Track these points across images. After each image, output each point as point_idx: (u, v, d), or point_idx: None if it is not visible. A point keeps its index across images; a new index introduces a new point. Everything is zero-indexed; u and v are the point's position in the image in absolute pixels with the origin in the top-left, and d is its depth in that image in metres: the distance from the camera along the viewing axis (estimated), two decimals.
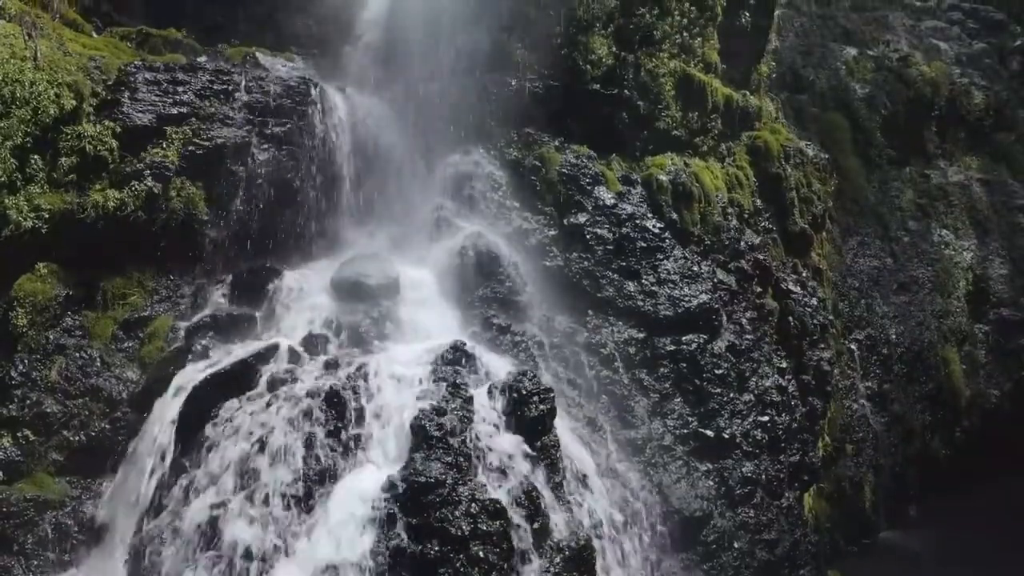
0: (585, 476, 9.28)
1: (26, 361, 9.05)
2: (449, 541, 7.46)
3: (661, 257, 12.06)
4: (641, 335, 11.51)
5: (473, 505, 7.64)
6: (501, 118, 12.30)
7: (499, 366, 9.43)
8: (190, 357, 9.21)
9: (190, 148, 10.16)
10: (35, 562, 8.29)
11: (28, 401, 8.89)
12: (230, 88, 10.67)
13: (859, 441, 16.53)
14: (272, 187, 10.62)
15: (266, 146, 10.66)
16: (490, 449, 8.38)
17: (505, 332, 10.05)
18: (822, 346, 14.35)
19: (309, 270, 10.46)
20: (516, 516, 7.92)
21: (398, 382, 8.85)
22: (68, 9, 11.57)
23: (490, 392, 8.84)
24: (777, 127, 15.91)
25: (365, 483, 7.88)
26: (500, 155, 12.04)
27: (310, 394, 8.52)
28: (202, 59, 11.54)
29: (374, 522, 7.58)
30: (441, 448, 8.03)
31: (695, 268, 12.36)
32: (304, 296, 10.03)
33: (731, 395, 11.79)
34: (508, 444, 8.51)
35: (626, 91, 12.90)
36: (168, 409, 8.76)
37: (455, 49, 12.16)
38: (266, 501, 7.83)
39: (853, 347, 17.31)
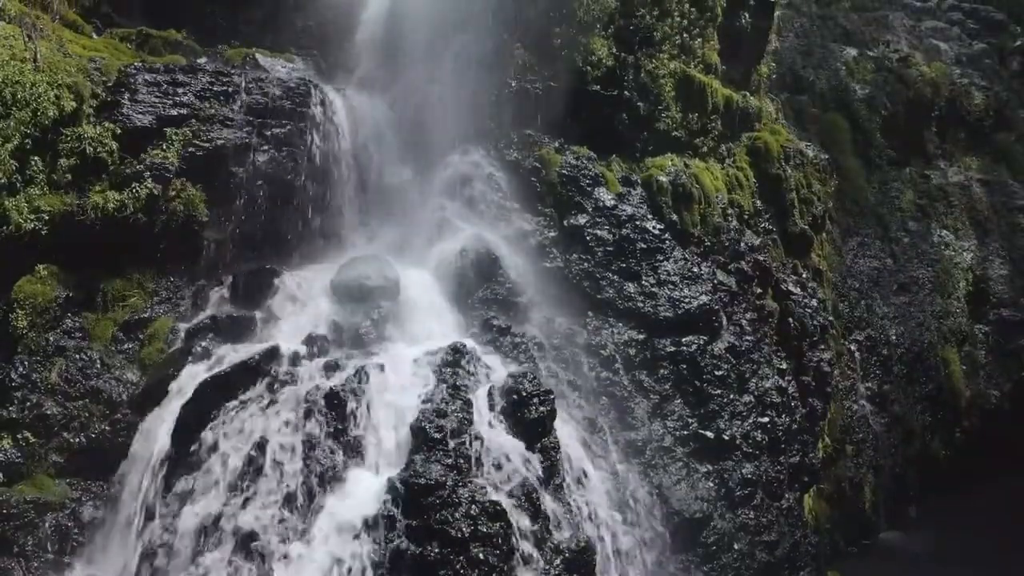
0: (585, 477, 9.29)
1: (26, 363, 9.04)
2: (449, 543, 7.47)
3: (661, 258, 12.06)
4: (641, 336, 11.50)
5: (473, 507, 7.65)
6: (501, 119, 12.29)
7: (499, 368, 9.43)
8: (190, 359, 9.21)
9: (190, 149, 10.15)
10: (35, 564, 8.29)
11: (28, 403, 8.89)
12: (230, 89, 10.66)
13: (859, 442, 16.54)
14: (272, 188, 10.60)
15: (266, 147, 10.65)
16: (490, 451, 8.39)
17: (505, 333, 10.05)
18: (822, 347, 14.36)
19: (309, 271, 10.45)
20: (516, 518, 7.92)
21: (398, 384, 8.86)
22: (68, 10, 11.56)
23: (490, 394, 8.85)
24: (777, 128, 15.91)
25: (365, 485, 7.90)
26: (500, 156, 12.03)
27: (310, 396, 8.53)
28: (202, 60, 11.54)
29: (374, 524, 7.60)
30: (441, 450, 8.05)
31: (695, 269, 12.36)
32: (304, 298, 10.03)
33: (731, 396, 11.79)
34: (508, 446, 8.51)
35: (626, 92, 12.90)
36: (168, 411, 8.77)
37: (455, 50, 12.14)
38: (266, 503, 7.84)
39: (853, 348, 17.31)
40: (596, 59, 12.62)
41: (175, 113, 10.28)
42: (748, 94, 15.20)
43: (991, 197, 22.10)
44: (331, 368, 9.01)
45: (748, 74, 15.74)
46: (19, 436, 8.78)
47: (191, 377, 8.97)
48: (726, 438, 11.44)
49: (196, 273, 10.17)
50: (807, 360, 13.96)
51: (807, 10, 22.34)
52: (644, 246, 12.01)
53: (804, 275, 15.06)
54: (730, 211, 13.64)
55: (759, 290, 13.55)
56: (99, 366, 9.31)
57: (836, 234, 18.23)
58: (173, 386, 8.97)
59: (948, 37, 24.30)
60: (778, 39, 18.25)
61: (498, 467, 8.28)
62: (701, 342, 11.83)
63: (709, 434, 11.33)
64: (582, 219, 11.90)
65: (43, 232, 9.27)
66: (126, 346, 9.57)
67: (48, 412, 8.92)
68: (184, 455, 8.31)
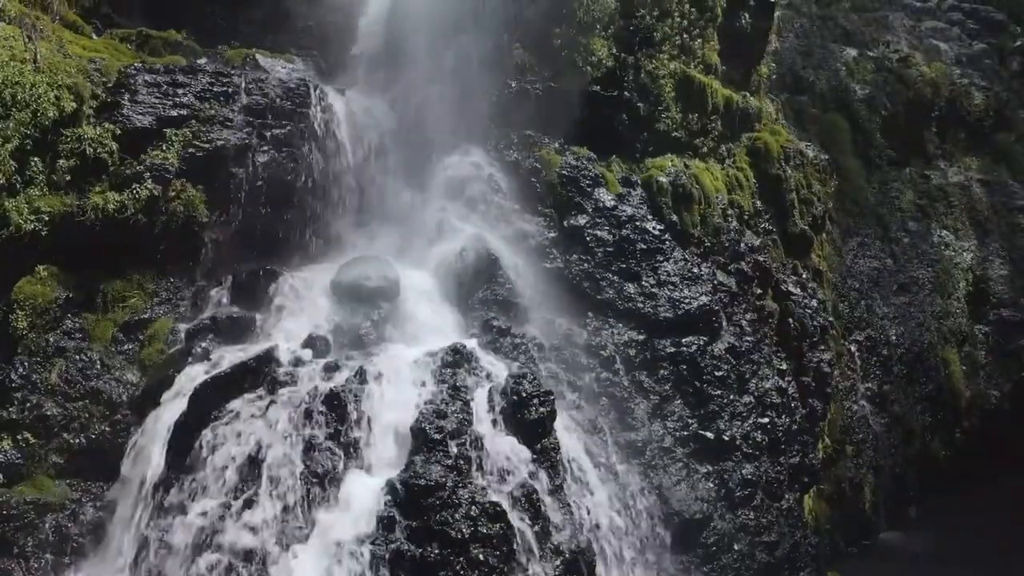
0: (585, 479, 9.29)
1: (26, 364, 9.04)
2: (449, 544, 7.48)
3: (661, 259, 12.06)
4: (641, 337, 11.50)
5: (473, 508, 7.65)
6: (501, 120, 12.29)
7: (499, 368, 9.43)
8: (190, 359, 9.22)
9: (190, 150, 10.16)
10: (35, 565, 8.29)
11: (28, 404, 8.89)
12: (230, 90, 10.67)
13: (859, 442, 16.54)
14: (272, 189, 10.60)
15: (266, 148, 10.65)
16: (490, 452, 8.39)
17: (505, 334, 10.05)
18: (822, 348, 14.36)
19: (309, 272, 10.44)
20: (516, 519, 7.93)
21: (398, 385, 8.85)
22: (68, 11, 11.56)
23: (490, 395, 8.84)
24: (777, 128, 15.91)
25: (365, 486, 7.90)
26: (500, 157, 12.02)
27: (310, 397, 8.53)
28: (202, 61, 11.54)
29: (374, 525, 7.59)
30: (441, 451, 8.05)
31: (695, 270, 12.36)
32: (304, 298, 10.02)
33: (731, 397, 11.79)
34: (508, 447, 8.51)
35: (626, 93, 12.90)
36: (168, 411, 8.76)
37: (455, 51, 12.14)
38: (266, 504, 7.83)
39: (853, 348, 17.31)
40: (596, 60, 12.62)
41: (175, 114, 10.29)
42: (748, 94, 15.20)
43: (991, 197, 22.10)
44: (331, 369, 9.00)
45: (748, 74, 15.74)
46: (19, 437, 8.78)
47: (191, 378, 8.96)
48: (726, 439, 11.44)
49: (196, 274, 10.18)
50: (807, 361, 13.96)
51: (807, 10, 22.34)
52: (644, 247, 12.01)
53: (804, 275, 15.06)
54: (730, 211, 13.64)
55: (759, 291, 13.55)
56: (99, 367, 9.31)
57: (836, 234, 18.23)
58: (173, 387, 8.97)
59: (948, 37, 24.31)
60: (778, 39, 18.25)
61: (498, 468, 8.27)
62: (701, 343, 11.83)
63: (709, 435, 11.33)
64: (582, 220, 11.89)
65: (43, 233, 9.27)
66: (126, 347, 9.57)
67: (48, 413, 8.92)
68: (184, 456, 8.30)
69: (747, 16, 15.10)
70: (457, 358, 9.11)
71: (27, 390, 8.95)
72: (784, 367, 13.05)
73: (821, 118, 20.04)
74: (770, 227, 14.56)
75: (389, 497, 7.71)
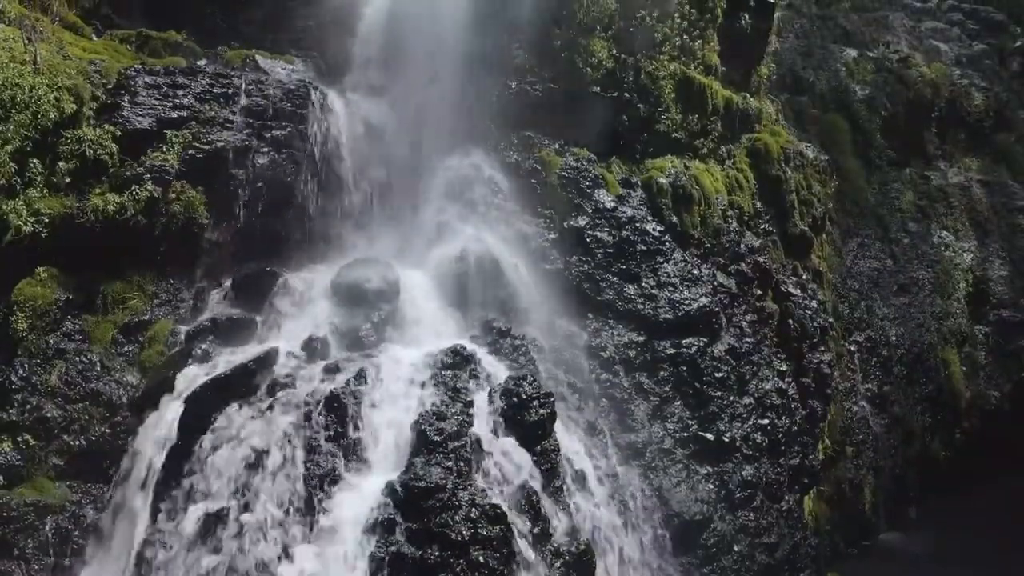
0: (585, 480, 9.30)
1: (26, 365, 9.04)
2: (449, 546, 7.47)
3: (661, 260, 12.06)
4: (641, 338, 11.50)
5: (473, 510, 7.65)
6: (501, 121, 12.28)
7: (499, 370, 9.44)
8: (190, 361, 9.20)
9: (190, 152, 10.15)
10: (35, 567, 8.29)
11: (28, 405, 8.88)
12: (230, 92, 10.66)
13: (859, 443, 16.54)
14: (272, 191, 10.59)
15: (266, 149, 10.65)
16: (490, 453, 8.40)
17: (505, 336, 10.05)
18: (822, 349, 14.36)
19: (309, 274, 10.43)
20: (516, 521, 7.93)
21: (398, 386, 8.86)
22: (68, 12, 11.55)
23: (490, 396, 8.85)
24: (777, 129, 15.91)
25: (365, 488, 7.90)
26: (500, 158, 12.01)
27: (310, 399, 8.53)
28: (202, 62, 11.53)
29: (374, 527, 7.59)
30: (441, 452, 8.05)
31: (695, 271, 12.36)
32: (304, 300, 10.02)
33: (731, 398, 11.79)
34: (508, 448, 8.52)
35: (626, 94, 12.90)
36: (168, 413, 8.76)
37: (455, 52, 12.12)
38: (266, 506, 7.84)
39: (853, 349, 17.32)
40: (596, 61, 12.63)
41: (175, 115, 10.28)
42: (748, 95, 15.20)
43: (991, 198, 22.11)
44: (331, 371, 9.00)
45: (748, 75, 15.74)
46: (19, 439, 8.77)
47: (191, 380, 8.95)
48: (726, 440, 11.44)
49: (196, 275, 10.17)
50: (807, 362, 13.97)
51: (807, 11, 22.34)
52: (644, 248, 12.01)
53: (804, 276, 15.06)
54: (730, 213, 13.64)
55: (759, 292, 13.55)
56: (99, 369, 9.30)
57: (836, 235, 18.23)
58: (173, 389, 8.95)
59: (948, 38, 24.30)
60: (778, 40, 18.26)
61: (498, 470, 8.28)
62: (701, 344, 11.83)
63: (709, 436, 11.34)
64: (582, 221, 11.90)
65: (43, 235, 9.26)
66: (126, 348, 9.56)
67: (48, 415, 8.91)
68: (184, 458, 8.30)
69: (747, 17, 15.10)
70: (457, 360, 9.11)
71: (27, 392, 8.94)
72: (784, 368, 13.06)
73: (821, 119, 20.04)
74: (770, 228, 14.56)
75: (389, 499, 7.70)
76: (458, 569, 7.41)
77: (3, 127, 9.09)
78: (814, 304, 14.57)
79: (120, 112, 10.09)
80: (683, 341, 11.72)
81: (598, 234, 11.87)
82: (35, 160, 9.45)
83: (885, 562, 15.87)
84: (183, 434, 8.44)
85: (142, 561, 7.82)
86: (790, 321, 13.89)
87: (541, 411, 8.78)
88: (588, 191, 12.09)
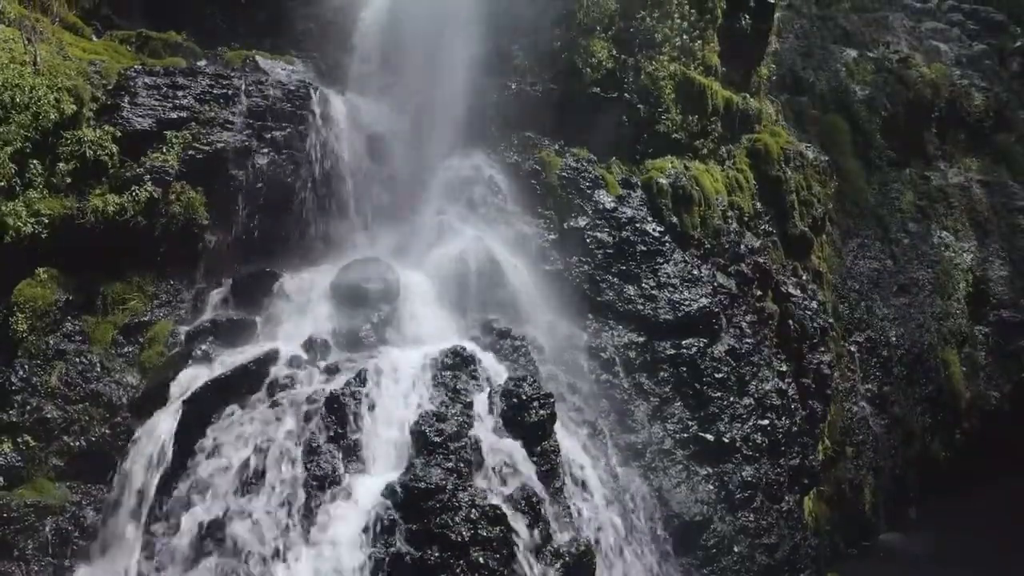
0: (585, 481, 9.29)
1: (26, 366, 9.03)
2: (449, 547, 7.47)
3: (661, 261, 12.06)
4: (641, 339, 11.50)
5: (473, 511, 7.65)
6: (501, 122, 12.29)
7: (499, 371, 9.43)
8: (190, 362, 9.20)
9: (190, 153, 10.14)
10: (36, 568, 8.28)
11: (28, 406, 8.87)
12: (230, 92, 10.65)
13: (859, 444, 16.54)
14: (272, 191, 10.60)
15: (266, 150, 10.65)
16: (490, 454, 8.39)
17: (505, 337, 10.04)
18: (822, 349, 14.36)
19: (309, 274, 10.42)
20: (516, 522, 7.92)
21: (398, 387, 8.86)
22: (68, 13, 11.55)
23: (490, 397, 8.85)
24: (777, 129, 15.91)
25: (365, 489, 7.90)
26: (500, 159, 12.02)
27: (310, 400, 8.54)
28: (202, 63, 11.52)
29: (374, 528, 7.59)
30: (441, 453, 8.05)
31: (695, 272, 12.36)
32: (304, 301, 10.01)
33: (731, 399, 11.79)
34: (508, 449, 8.52)
35: (626, 94, 12.90)
36: (168, 414, 8.76)
37: (455, 52, 12.13)
38: (267, 507, 7.84)
39: (853, 349, 17.32)
40: (596, 61, 12.63)
41: (175, 116, 10.27)
42: (748, 96, 15.20)
43: (991, 198, 22.10)
44: (331, 371, 9.02)
45: (748, 76, 15.74)
46: (19, 440, 8.77)
47: (191, 380, 8.96)
48: (726, 441, 11.45)
49: (196, 276, 10.17)
50: (807, 362, 13.97)
51: (807, 11, 22.34)
52: (644, 248, 12.01)
53: (804, 277, 15.06)
54: (730, 213, 13.64)
55: (759, 292, 13.55)
56: (99, 369, 9.30)
57: (836, 236, 18.23)
58: (173, 389, 8.96)
59: (948, 38, 24.30)
60: (778, 40, 18.25)
61: (498, 471, 8.28)
62: (701, 345, 11.83)
63: (709, 437, 11.34)
64: (582, 222, 11.90)
65: (43, 236, 9.25)
66: (126, 349, 9.56)
67: (48, 416, 8.90)
68: (184, 459, 8.30)
69: (747, 17, 15.10)
70: (457, 361, 9.11)
71: (27, 393, 8.93)
72: (784, 369, 13.06)
73: (821, 119, 20.04)
74: (770, 229, 14.56)
75: (389, 500, 7.71)
76: (458, 570, 7.41)
77: (3, 128, 9.08)
78: (814, 305, 14.57)
79: (120, 113, 10.08)
80: (683, 342, 11.72)
81: (598, 235, 11.87)
82: (35, 161, 9.45)
83: (885, 563, 15.87)
84: (183, 435, 8.44)
85: (142, 562, 7.81)
86: (790, 322, 13.89)
87: (541, 412, 8.78)
88: (588, 192, 12.09)
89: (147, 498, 8.23)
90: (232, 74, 11.01)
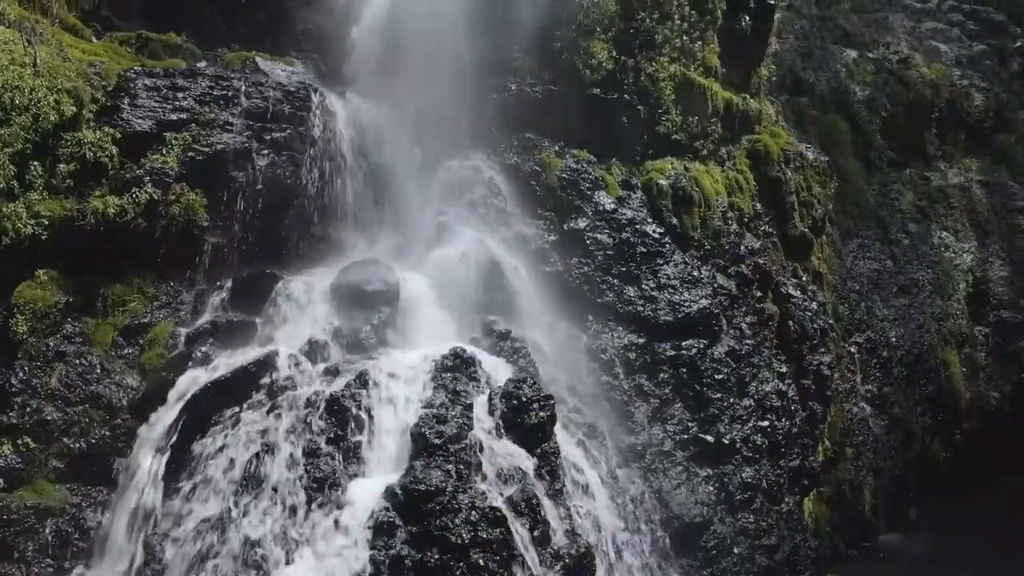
0: (585, 483, 9.29)
1: (26, 368, 9.02)
2: (449, 549, 7.47)
3: (661, 262, 12.06)
4: (641, 340, 11.51)
5: (473, 513, 7.64)
6: (501, 123, 12.30)
7: (499, 372, 9.42)
8: (190, 364, 9.20)
9: (190, 154, 10.13)
10: (36, 569, 8.27)
11: (28, 408, 8.86)
12: (230, 94, 10.65)
13: (859, 444, 16.54)
14: (272, 193, 10.58)
15: (266, 152, 10.64)
16: (490, 456, 8.38)
17: (505, 338, 10.05)
18: (822, 350, 14.36)
19: (309, 276, 10.43)
20: (516, 524, 7.91)
21: (398, 389, 8.85)
22: (68, 14, 11.54)
23: (490, 399, 8.84)
24: (777, 130, 15.91)
25: (365, 491, 7.89)
26: (500, 160, 12.03)
27: (310, 402, 8.53)
28: (202, 64, 11.53)
29: (374, 530, 7.59)
30: (441, 456, 8.04)
31: (695, 273, 12.36)
32: (304, 302, 10.00)
33: (731, 400, 11.79)
34: (508, 451, 8.51)
35: (626, 95, 12.91)
36: (168, 416, 8.76)
37: (455, 54, 12.13)
38: (267, 509, 7.84)
39: (853, 350, 17.31)
40: (596, 62, 12.63)
41: (175, 118, 10.26)
42: (748, 97, 15.20)
43: (991, 199, 22.10)
44: (331, 373, 9.02)
45: (748, 77, 15.74)
46: (19, 441, 8.75)
47: (191, 382, 8.95)
48: (726, 442, 11.45)
49: (196, 278, 10.15)
50: (807, 363, 13.97)
51: (807, 12, 22.34)
52: (644, 250, 12.01)
53: (804, 278, 15.06)
54: (730, 214, 13.65)
55: (759, 293, 13.55)
56: (99, 371, 9.29)
57: (836, 236, 18.23)
58: (173, 391, 8.95)
59: (948, 38, 24.30)
60: (778, 41, 18.26)
61: (498, 473, 8.27)
62: (701, 346, 11.84)
63: (709, 438, 11.34)
64: (582, 223, 11.90)
65: (43, 237, 9.25)
66: (126, 351, 9.55)
67: (48, 417, 8.89)
68: (184, 461, 8.31)
69: (747, 18, 15.10)
70: (457, 362, 9.10)
71: (27, 395, 8.92)
72: (784, 370, 13.06)
73: (821, 120, 20.04)
74: (770, 230, 14.56)
75: (389, 502, 7.70)
76: (458, 572, 7.40)
77: (4, 130, 9.08)
78: (814, 306, 14.57)
79: (120, 114, 10.07)
80: (683, 343, 11.72)
81: (598, 236, 11.88)
82: (35, 163, 9.44)
83: (885, 563, 15.86)
84: (183, 437, 8.45)
85: (143, 564, 7.81)
86: (790, 323, 13.89)
87: (541, 413, 8.77)
88: (588, 193, 12.09)
89: (147, 500, 8.22)
90: (232, 75, 11.01)
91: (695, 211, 12.96)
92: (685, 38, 13.63)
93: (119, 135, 9.94)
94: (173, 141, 10.10)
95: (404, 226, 11.46)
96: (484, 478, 8.16)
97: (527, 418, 8.69)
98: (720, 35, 14.57)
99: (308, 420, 8.40)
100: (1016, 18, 25.75)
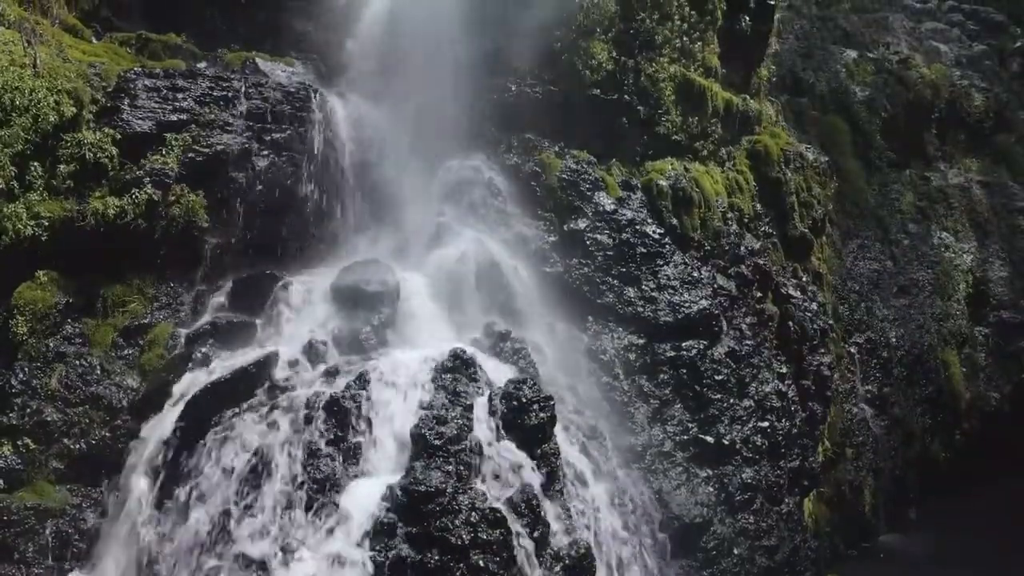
0: (585, 484, 9.29)
1: (26, 369, 9.02)
2: (449, 550, 7.48)
3: (661, 263, 12.06)
4: (641, 341, 11.51)
5: (473, 514, 7.66)
6: (501, 124, 12.30)
7: (499, 373, 9.42)
8: (190, 365, 9.21)
9: (190, 155, 10.13)
10: (36, 570, 8.28)
11: (28, 409, 8.86)
12: (230, 94, 10.65)
13: (859, 445, 16.54)
14: (272, 193, 10.58)
15: (266, 152, 10.64)
16: (490, 457, 8.40)
17: (505, 339, 10.05)
18: (822, 351, 14.36)
19: (309, 276, 10.44)
20: (516, 525, 7.93)
21: (398, 390, 8.85)
22: (68, 15, 11.54)
23: (490, 400, 8.84)
24: (777, 131, 15.91)
25: (365, 492, 7.90)
26: (500, 161, 12.03)
27: (310, 403, 8.53)
28: (202, 65, 11.53)
29: (374, 531, 7.60)
30: (441, 457, 8.05)
31: (695, 274, 12.36)
32: (304, 303, 10.02)
33: (731, 401, 11.79)
34: (508, 452, 8.52)
35: (626, 96, 12.90)
36: (168, 417, 8.77)
37: (455, 54, 12.14)
38: (266, 510, 7.84)
39: (853, 351, 17.31)
40: (596, 63, 12.63)
41: (175, 118, 10.25)
42: (748, 97, 15.20)
43: (991, 199, 22.09)
44: (331, 374, 9.02)
45: (748, 77, 15.74)
46: (19, 442, 8.76)
47: (191, 383, 8.97)
48: (726, 443, 11.45)
49: (196, 279, 10.15)
50: (807, 364, 13.97)
51: (807, 12, 22.33)
52: (644, 250, 12.01)
53: (804, 279, 15.06)
54: (730, 215, 13.65)
55: (759, 294, 13.56)
56: (99, 372, 9.29)
57: (836, 237, 18.23)
58: (173, 392, 8.96)
59: (948, 39, 24.29)
60: (778, 41, 18.26)
61: (498, 474, 8.28)
62: (701, 347, 11.84)
63: (709, 439, 11.34)
64: (582, 224, 11.90)
65: (43, 238, 9.25)
66: (126, 352, 9.55)
67: (48, 418, 8.90)
68: (184, 462, 8.32)
69: (747, 19, 15.10)
70: (457, 363, 9.10)
71: (27, 396, 8.92)
72: (784, 370, 13.06)
73: (821, 120, 20.03)
74: (770, 230, 14.56)
75: (389, 503, 7.72)
76: (458, 573, 7.42)
77: (4, 131, 9.08)
78: (814, 306, 14.57)
79: (120, 115, 10.07)
80: (683, 344, 11.72)
81: (598, 236, 11.88)
82: (35, 163, 9.44)
83: (885, 564, 15.87)
84: (183, 438, 8.45)
85: (142, 566, 7.82)
86: (790, 323, 13.89)
87: (541, 414, 8.78)
88: (588, 193, 12.09)
89: (147, 501, 8.24)
90: (232, 76, 11.00)
91: (695, 212, 12.96)
92: (685, 39, 13.63)
93: (119, 136, 9.93)
94: (173, 142, 10.09)
95: (404, 227, 11.45)
96: (484, 479, 8.18)
97: (527, 419, 8.70)
98: (720, 35, 14.57)
99: (308, 421, 8.40)
100: (1016, 18, 25.74)
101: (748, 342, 12.55)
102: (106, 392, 9.20)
